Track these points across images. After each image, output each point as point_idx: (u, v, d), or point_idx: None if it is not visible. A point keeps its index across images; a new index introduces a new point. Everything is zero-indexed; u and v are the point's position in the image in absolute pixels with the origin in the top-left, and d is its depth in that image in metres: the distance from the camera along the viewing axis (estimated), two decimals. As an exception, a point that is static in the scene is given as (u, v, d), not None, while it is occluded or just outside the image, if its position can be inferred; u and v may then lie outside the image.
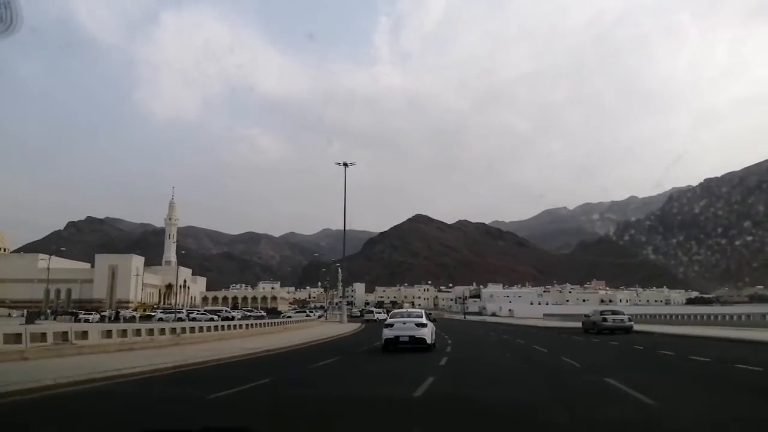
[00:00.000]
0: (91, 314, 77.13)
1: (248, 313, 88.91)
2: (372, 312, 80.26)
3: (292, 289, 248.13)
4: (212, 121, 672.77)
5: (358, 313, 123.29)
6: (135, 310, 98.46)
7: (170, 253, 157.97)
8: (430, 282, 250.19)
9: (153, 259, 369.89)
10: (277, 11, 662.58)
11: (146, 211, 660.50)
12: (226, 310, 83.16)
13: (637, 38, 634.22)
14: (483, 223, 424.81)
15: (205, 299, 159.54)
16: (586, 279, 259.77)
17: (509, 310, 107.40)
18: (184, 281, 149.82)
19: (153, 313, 79.21)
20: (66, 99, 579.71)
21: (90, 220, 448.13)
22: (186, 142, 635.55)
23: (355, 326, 55.52)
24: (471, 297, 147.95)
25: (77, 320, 61.18)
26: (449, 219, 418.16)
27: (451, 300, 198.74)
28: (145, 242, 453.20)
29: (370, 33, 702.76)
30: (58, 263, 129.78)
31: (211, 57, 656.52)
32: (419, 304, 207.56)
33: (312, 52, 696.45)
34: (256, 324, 38.83)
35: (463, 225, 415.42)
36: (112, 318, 71.87)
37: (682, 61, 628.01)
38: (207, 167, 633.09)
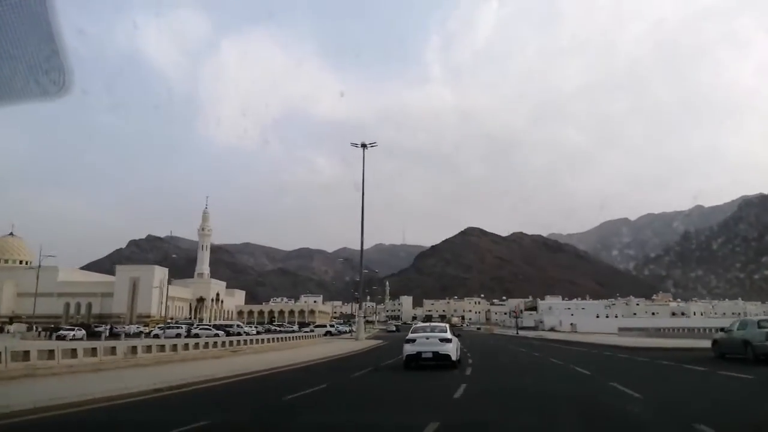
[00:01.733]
0: (73, 330, 64.69)
1: (276, 328, 80.00)
2: (391, 324, 62.97)
3: (339, 303, 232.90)
4: (271, 144, 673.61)
5: (394, 328, 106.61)
6: (146, 325, 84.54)
7: (203, 266, 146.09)
8: (483, 295, 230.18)
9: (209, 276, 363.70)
10: (331, 34, 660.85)
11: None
12: (238, 325, 71.22)
13: (699, 45, 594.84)
14: (540, 236, 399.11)
15: (240, 313, 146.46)
16: (651, 292, 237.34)
17: (571, 324, 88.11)
18: (217, 294, 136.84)
19: (153, 329, 67.63)
20: (135, 126, 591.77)
21: (150, 238, 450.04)
22: (246, 165, 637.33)
23: (371, 344, 45.04)
24: (527, 309, 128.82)
25: (59, 337, 52.58)
26: (503, 232, 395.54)
27: (505, 314, 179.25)
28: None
29: (421, 52, 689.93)
30: (80, 276, 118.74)
31: (269, 82, 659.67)
32: (470, 318, 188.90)
33: (366, 73, 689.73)
34: (248, 341, 34.14)
35: (518, 237, 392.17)
36: (107, 334, 60.38)
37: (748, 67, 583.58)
38: (265, 188, 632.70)
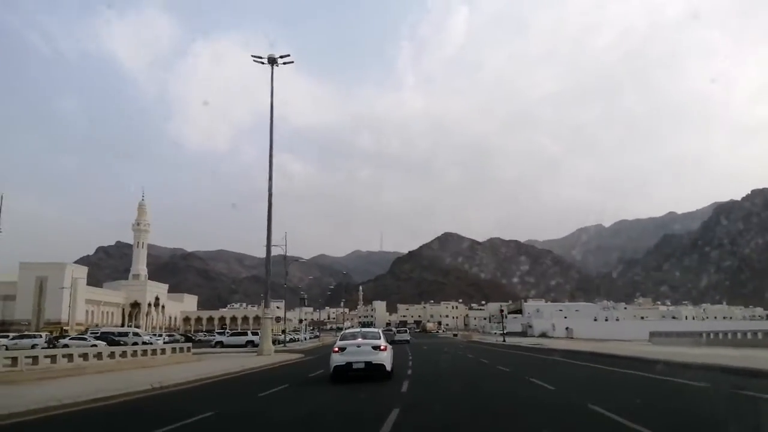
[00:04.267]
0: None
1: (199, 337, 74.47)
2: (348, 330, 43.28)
3: (310, 309, 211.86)
4: (243, 150, 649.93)
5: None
6: (52, 333, 63.66)
7: (138, 266, 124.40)
8: (461, 300, 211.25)
9: (180, 283, 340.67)
10: (305, 40, 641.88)
11: (178, 236, 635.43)
12: (134, 333, 55.26)
13: (668, 54, 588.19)
14: (516, 241, 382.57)
15: (187, 319, 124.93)
16: (628, 297, 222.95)
17: (566, 328, 69.72)
18: (156, 299, 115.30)
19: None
20: (102, 129, 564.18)
21: (119, 245, 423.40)
22: (218, 169, 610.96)
23: (283, 359, 30.81)
24: (510, 313, 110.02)
25: None
26: (480, 237, 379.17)
27: (484, 319, 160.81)
28: (173, 266, 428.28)
29: (394, 58, 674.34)
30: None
31: (241, 86, 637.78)
32: (446, 324, 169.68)
33: (340, 79, 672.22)
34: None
35: (495, 243, 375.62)
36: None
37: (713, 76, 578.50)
38: (238, 193, 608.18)
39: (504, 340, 56.49)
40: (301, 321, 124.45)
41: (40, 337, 50.54)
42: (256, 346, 51.10)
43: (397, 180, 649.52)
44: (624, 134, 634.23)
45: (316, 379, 17.95)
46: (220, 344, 51.46)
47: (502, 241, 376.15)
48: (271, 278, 34.78)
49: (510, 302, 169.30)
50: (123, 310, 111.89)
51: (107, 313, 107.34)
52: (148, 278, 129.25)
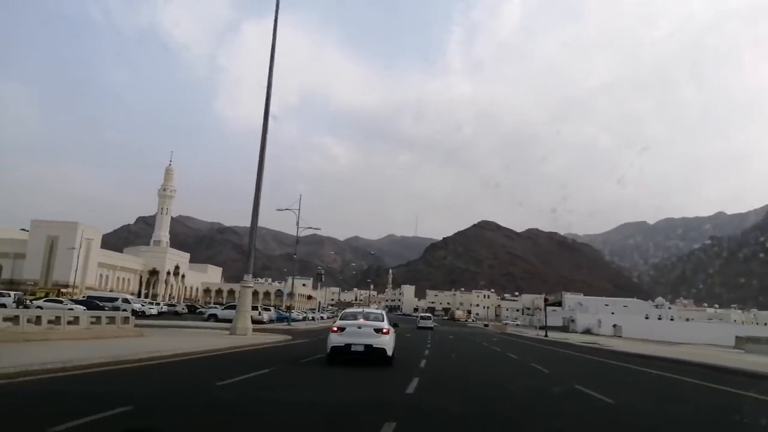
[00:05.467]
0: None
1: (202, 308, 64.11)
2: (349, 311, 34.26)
3: (337, 289, 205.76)
4: (287, 129, 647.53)
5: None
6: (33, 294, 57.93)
7: (161, 232, 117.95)
8: (492, 290, 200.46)
9: (215, 255, 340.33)
10: (354, 23, 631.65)
11: (219, 210, 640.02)
12: (124, 299, 49.14)
13: (726, 47, 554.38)
14: (556, 233, 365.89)
15: (207, 291, 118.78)
16: (672, 297, 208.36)
17: (614, 326, 59.40)
18: (176, 268, 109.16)
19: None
20: (150, 103, 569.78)
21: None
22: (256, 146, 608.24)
23: (262, 341, 22.71)
24: (548, 305, 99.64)
25: None
26: (518, 227, 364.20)
27: (517, 310, 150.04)
28: (210, 239, 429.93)
29: (443, 43, 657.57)
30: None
31: (289, 67, 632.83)
32: (476, 314, 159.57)
33: (387, 63, 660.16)
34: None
35: (533, 234, 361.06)
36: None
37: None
38: (278, 172, 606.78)
39: (546, 335, 46.75)
40: (324, 301, 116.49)
41: (9, 296, 45.04)
42: (255, 322, 43.17)
43: (436, 166, 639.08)
44: (675, 129, 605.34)
45: (294, 369, 13.94)
46: (214, 317, 43.92)
47: (541, 233, 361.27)
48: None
49: (543, 294, 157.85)
50: (141, 276, 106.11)
51: (123, 279, 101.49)
52: (184, 250, 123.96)
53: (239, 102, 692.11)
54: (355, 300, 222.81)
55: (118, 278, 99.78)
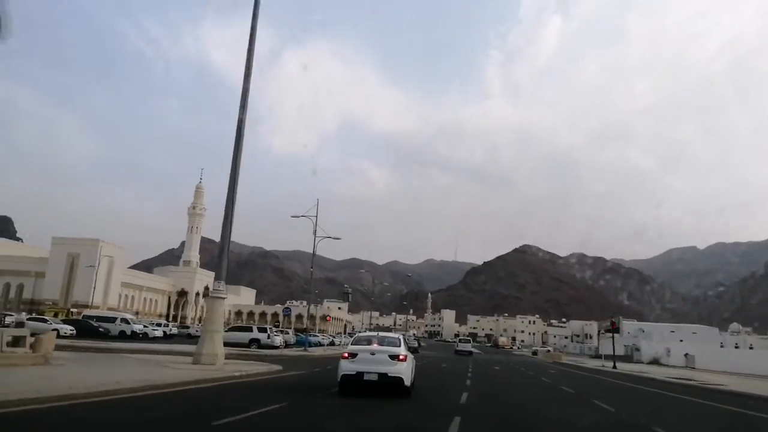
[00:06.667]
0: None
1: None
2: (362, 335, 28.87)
3: (377, 314, 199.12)
4: (326, 155, 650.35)
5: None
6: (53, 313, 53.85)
7: (191, 252, 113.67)
8: (537, 316, 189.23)
9: (256, 279, 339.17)
10: (391, 48, 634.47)
11: (261, 235, 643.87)
12: (123, 320, 43.84)
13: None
14: (602, 258, 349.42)
15: (239, 313, 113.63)
16: (726, 324, 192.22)
17: (685, 355, 50.23)
18: (206, 288, 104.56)
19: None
20: (194, 129, 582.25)
21: (202, 240, 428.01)
22: (301, 173, 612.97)
23: (227, 373, 15.44)
24: (603, 332, 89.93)
25: None
26: (562, 252, 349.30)
27: (565, 337, 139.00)
28: (252, 263, 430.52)
29: (481, 67, 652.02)
30: (11, 249, 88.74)
31: (327, 93, 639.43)
32: (522, 341, 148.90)
33: (425, 87, 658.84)
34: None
35: (578, 259, 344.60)
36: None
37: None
38: (318, 197, 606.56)
39: (614, 366, 38.40)
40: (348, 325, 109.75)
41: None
42: (264, 347, 36.76)
43: (475, 190, 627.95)
44: (724, 151, 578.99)
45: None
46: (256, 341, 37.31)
47: (586, 258, 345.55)
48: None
49: (590, 321, 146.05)
50: (169, 298, 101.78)
51: (151, 300, 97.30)
52: (225, 274, 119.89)
53: (280, 129, 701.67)
54: (394, 324, 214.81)
55: (144, 299, 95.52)
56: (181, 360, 18.57)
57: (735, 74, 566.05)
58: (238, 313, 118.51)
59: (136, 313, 76.32)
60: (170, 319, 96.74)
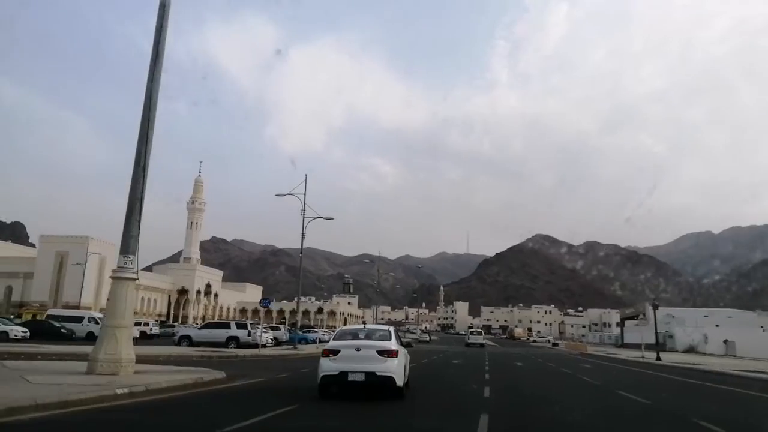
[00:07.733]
0: None
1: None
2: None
3: (388, 308, 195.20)
4: (335, 151, 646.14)
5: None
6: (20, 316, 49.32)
7: (191, 249, 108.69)
8: (553, 306, 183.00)
9: (268, 277, 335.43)
10: (398, 41, 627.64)
11: (272, 233, 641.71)
12: (90, 318, 37.87)
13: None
14: (616, 245, 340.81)
15: (243, 311, 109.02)
16: (748, 309, 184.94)
17: (725, 341, 44.24)
18: (207, 286, 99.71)
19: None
20: (205, 131, 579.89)
21: (215, 240, 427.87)
22: (310, 170, 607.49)
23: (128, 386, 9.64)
24: (626, 319, 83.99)
25: None
26: (575, 241, 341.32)
27: (583, 326, 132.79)
28: (264, 261, 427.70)
29: (488, 57, 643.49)
30: (2, 250, 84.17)
31: (335, 89, 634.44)
32: (538, 331, 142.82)
33: (432, 80, 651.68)
34: None
35: (591, 247, 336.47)
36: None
37: None
38: (328, 193, 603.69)
39: (658, 357, 32.59)
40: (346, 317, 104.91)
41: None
42: (243, 345, 31.35)
43: (486, 181, 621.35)
44: (736, 134, 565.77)
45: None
46: (188, 340, 31.28)
47: (600, 245, 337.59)
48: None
49: (607, 310, 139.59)
50: (169, 296, 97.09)
51: (149, 299, 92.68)
52: (239, 272, 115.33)
53: (289, 128, 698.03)
54: (406, 318, 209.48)
55: (142, 298, 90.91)
56: (77, 366, 13.10)
57: (743, 55, 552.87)
58: (243, 311, 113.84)
59: (134, 313, 71.27)
60: (170, 318, 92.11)
